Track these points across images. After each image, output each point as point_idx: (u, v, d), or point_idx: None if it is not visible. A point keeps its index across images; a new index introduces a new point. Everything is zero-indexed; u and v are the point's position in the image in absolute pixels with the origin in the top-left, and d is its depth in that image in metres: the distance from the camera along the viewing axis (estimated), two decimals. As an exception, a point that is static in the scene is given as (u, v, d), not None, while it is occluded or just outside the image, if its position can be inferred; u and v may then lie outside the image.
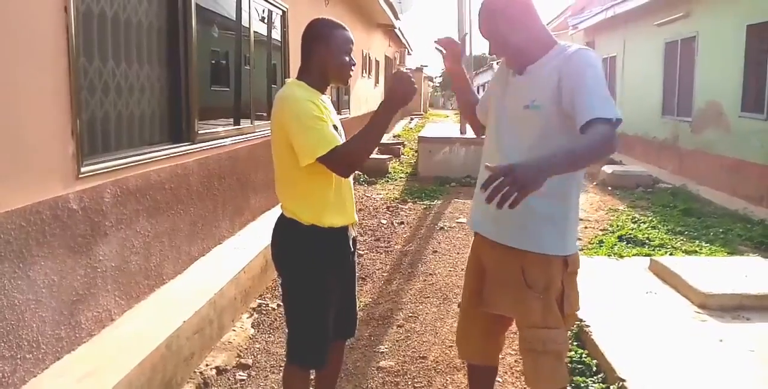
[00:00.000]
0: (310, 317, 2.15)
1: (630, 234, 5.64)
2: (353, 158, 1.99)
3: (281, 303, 3.89)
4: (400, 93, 1.98)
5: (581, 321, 3.29)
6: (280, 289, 2.34)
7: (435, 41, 2.27)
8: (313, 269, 2.13)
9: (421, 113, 31.07)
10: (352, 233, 2.26)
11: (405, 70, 2.04)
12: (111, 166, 2.78)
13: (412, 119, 26.07)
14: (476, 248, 2.13)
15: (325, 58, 2.09)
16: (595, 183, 9.18)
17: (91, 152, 2.69)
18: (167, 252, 3.36)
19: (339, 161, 1.95)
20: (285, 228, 2.16)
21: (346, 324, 2.33)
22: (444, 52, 2.27)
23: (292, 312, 2.19)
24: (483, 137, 2.18)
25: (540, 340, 1.93)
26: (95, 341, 2.64)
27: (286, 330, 2.25)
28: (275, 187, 2.19)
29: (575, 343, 3.17)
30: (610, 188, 8.71)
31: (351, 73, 2.18)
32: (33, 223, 2.25)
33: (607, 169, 9.21)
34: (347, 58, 2.13)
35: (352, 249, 2.27)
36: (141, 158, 3.06)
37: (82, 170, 2.54)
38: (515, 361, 3.13)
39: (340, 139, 2.02)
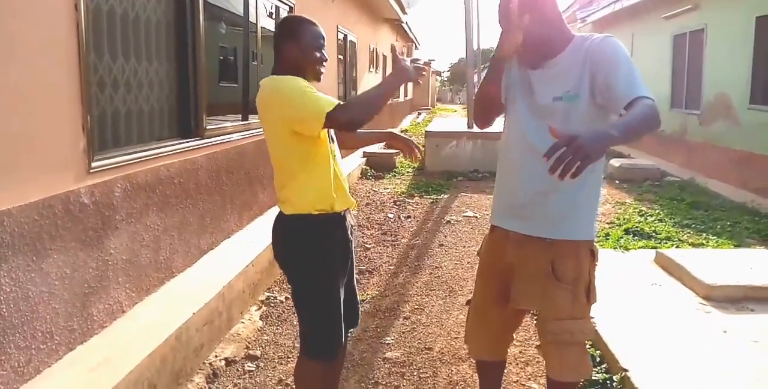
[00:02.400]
0: (326, 309, 2.16)
1: (637, 227, 5.64)
2: (360, 109, 2.01)
3: (290, 297, 3.95)
4: (410, 74, 2.08)
5: (586, 312, 3.32)
6: (289, 288, 2.34)
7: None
8: (325, 259, 2.15)
9: (429, 107, 31.03)
10: (351, 221, 2.29)
11: (423, 62, 2.10)
12: (121, 161, 2.83)
13: (419, 114, 26.05)
14: (497, 246, 2.08)
15: (296, 54, 2.11)
16: (602, 176, 9.15)
17: (101, 147, 2.74)
18: (177, 246, 3.42)
19: (346, 113, 1.97)
20: (289, 224, 2.16)
21: (350, 314, 2.35)
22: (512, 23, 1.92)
23: (308, 306, 2.19)
24: (487, 130, 2.19)
25: (568, 331, 1.93)
26: (107, 332, 2.69)
27: (298, 325, 2.26)
28: (274, 183, 2.21)
29: (579, 334, 3.20)
30: (617, 181, 8.69)
31: (323, 68, 2.20)
32: (46, 216, 2.31)
33: (615, 162, 9.19)
34: (319, 54, 2.14)
35: (351, 238, 2.29)
36: (150, 153, 3.11)
37: (93, 164, 2.60)
38: (519, 352, 3.16)
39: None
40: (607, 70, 1.76)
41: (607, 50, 1.80)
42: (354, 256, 2.35)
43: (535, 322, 2.99)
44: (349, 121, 1.99)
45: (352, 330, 2.56)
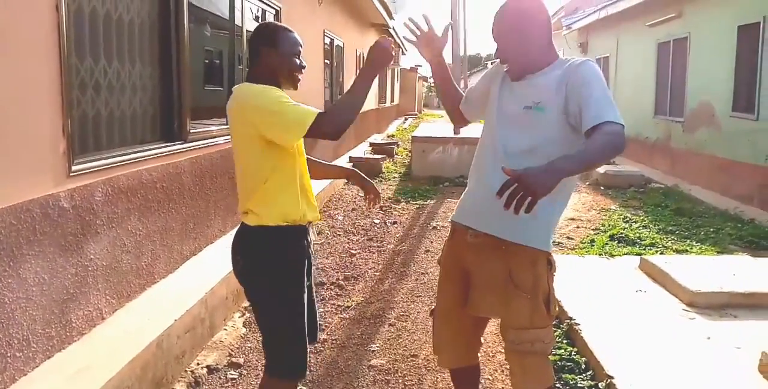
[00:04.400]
0: (293, 326, 2.09)
1: (621, 234, 5.67)
2: (342, 117, 1.96)
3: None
4: (379, 59, 2.01)
5: (571, 318, 3.32)
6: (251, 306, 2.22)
7: (405, 23, 2.24)
8: (292, 271, 2.09)
9: (415, 112, 31.11)
10: (312, 236, 2.24)
11: (386, 38, 2.05)
12: (102, 164, 2.78)
13: (406, 119, 26.10)
14: (456, 251, 2.10)
15: (274, 61, 2.06)
16: (587, 183, 9.21)
17: (82, 150, 2.69)
18: (159, 251, 3.37)
19: (329, 122, 1.92)
20: (254, 236, 2.08)
21: (311, 328, 2.23)
22: (417, 35, 2.20)
23: (277, 323, 2.10)
24: (460, 132, 2.22)
25: (528, 341, 1.93)
26: (86, 339, 2.64)
27: (262, 344, 2.15)
28: (238, 193, 2.12)
29: (565, 341, 3.19)
30: (602, 187, 8.75)
31: (301, 76, 2.15)
32: (23, 221, 2.26)
33: (600, 169, 9.24)
34: (297, 61, 2.10)
35: (311, 253, 2.22)
36: (133, 156, 3.06)
37: (74, 168, 2.55)
38: (505, 359, 3.14)
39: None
40: (581, 93, 1.81)
41: (585, 74, 1.85)
42: (313, 270, 2.28)
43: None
44: (333, 130, 1.95)
45: (316, 343, 2.51)
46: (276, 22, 2.15)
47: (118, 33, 3.01)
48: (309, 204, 2.15)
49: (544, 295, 1.94)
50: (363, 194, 2.43)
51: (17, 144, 2.25)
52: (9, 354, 2.20)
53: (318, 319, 2.35)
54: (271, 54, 2.06)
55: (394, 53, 2.06)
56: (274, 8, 5.90)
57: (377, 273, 4.70)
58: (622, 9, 11.02)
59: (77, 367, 2.39)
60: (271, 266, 2.07)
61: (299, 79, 2.14)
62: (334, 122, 1.94)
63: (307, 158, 2.29)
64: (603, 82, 1.85)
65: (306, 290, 2.15)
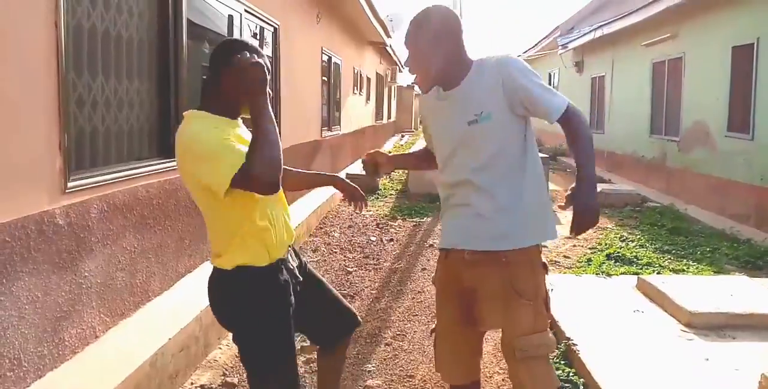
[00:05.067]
0: (281, 366, 1.92)
1: (618, 253, 5.66)
2: (266, 166, 1.67)
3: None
4: (250, 85, 1.74)
5: (569, 339, 3.29)
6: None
7: (362, 161, 2.40)
8: (275, 312, 1.90)
9: (412, 129, 31.24)
10: (292, 262, 2.01)
11: (249, 57, 1.78)
12: (98, 181, 2.77)
13: (402, 136, 26.19)
14: (452, 270, 2.08)
15: (237, 85, 1.78)
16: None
17: (78, 166, 2.68)
18: (154, 268, 3.34)
19: (254, 175, 1.66)
20: (229, 281, 1.89)
21: (339, 321, 2.20)
22: (367, 169, 2.38)
23: (264, 366, 1.92)
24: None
25: (534, 345, 1.95)
26: (79, 358, 2.60)
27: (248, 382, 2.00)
28: (208, 234, 1.95)
29: (563, 362, 3.16)
30: (598, 206, 8.75)
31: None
32: (18, 238, 2.24)
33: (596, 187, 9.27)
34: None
35: (300, 278, 2.03)
36: (129, 172, 3.05)
37: (69, 184, 2.53)
38: (502, 380, 3.11)
39: None
40: (520, 89, 1.88)
41: (514, 71, 1.90)
42: (316, 278, 2.18)
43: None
44: (256, 185, 1.70)
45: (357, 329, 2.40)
46: (244, 40, 1.96)
47: (116, 49, 3.02)
48: (280, 240, 1.92)
49: (543, 297, 2.00)
50: (349, 200, 2.36)
51: (13, 160, 2.24)
52: (0, 374, 2.16)
53: (347, 305, 2.30)
54: (233, 76, 1.78)
55: (266, 70, 1.78)
56: (272, 25, 5.94)
57: (373, 291, 4.67)
58: (617, 29, 11.14)
59: (69, 387, 2.35)
60: (253, 310, 1.89)
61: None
62: (260, 174, 1.66)
63: (288, 170, 2.15)
64: (533, 73, 1.93)
65: (301, 311, 1.98)
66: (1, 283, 2.16)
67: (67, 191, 2.52)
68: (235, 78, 1.77)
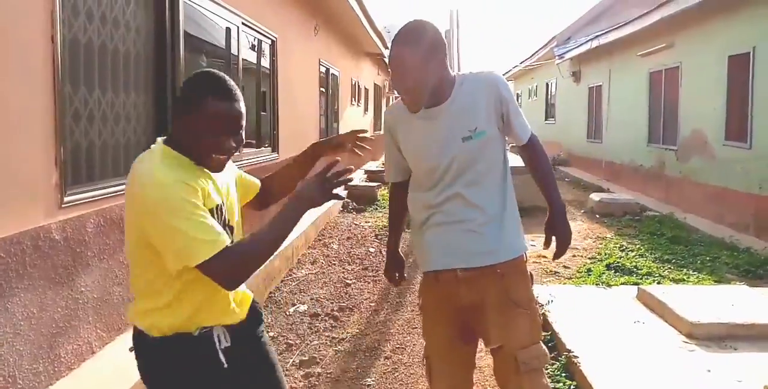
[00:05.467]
0: None
1: (618, 262, 5.64)
2: (246, 265, 1.46)
3: (275, 335, 3.83)
4: (312, 196, 1.55)
5: (569, 351, 3.27)
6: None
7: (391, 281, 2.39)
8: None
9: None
10: (225, 341, 1.61)
11: (342, 173, 1.57)
12: (95, 195, 2.76)
13: (401, 146, 26.20)
14: (446, 292, 2.02)
15: (195, 129, 1.50)
16: (582, 211, 9.21)
17: (75, 181, 2.67)
18: (151, 282, 3.31)
19: (226, 269, 1.43)
20: (151, 346, 1.58)
21: None
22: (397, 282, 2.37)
23: None
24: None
25: (535, 357, 1.96)
26: (75, 375, 2.58)
27: None
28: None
29: (564, 374, 3.13)
30: (597, 215, 8.74)
31: (222, 159, 1.56)
32: (13, 254, 2.22)
33: (595, 197, 9.26)
34: (224, 139, 1.52)
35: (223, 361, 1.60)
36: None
37: (66, 199, 2.52)
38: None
39: (226, 237, 1.46)
40: (507, 108, 1.98)
41: (504, 87, 1.98)
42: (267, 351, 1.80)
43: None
44: (221, 278, 1.45)
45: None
46: (221, 77, 1.54)
47: (113, 63, 3.02)
48: (217, 307, 1.60)
49: (535, 304, 2.06)
50: (344, 151, 2.02)
51: (8, 175, 2.23)
52: (-7, 391, 2.14)
53: None
54: (191, 119, 1.50)
55: (344, 191, 1.69)
56: (269, 38, 5.96)
57: (372, 304, 4.64)
58: (613, 39, 11.20)
59: (64, 404, 2.32)
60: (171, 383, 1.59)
61: (218, 165, 1.57)
62: (233, 270, 1.44)
63: (266, 178, 1.94)
64: (513, 94, 2.05)
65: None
66: (-4, 299, 2.14)
67: (63, 205, 2.51)
68: (204, 126, 1.49)
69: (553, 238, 2.07)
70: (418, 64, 1.86)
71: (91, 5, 2.78)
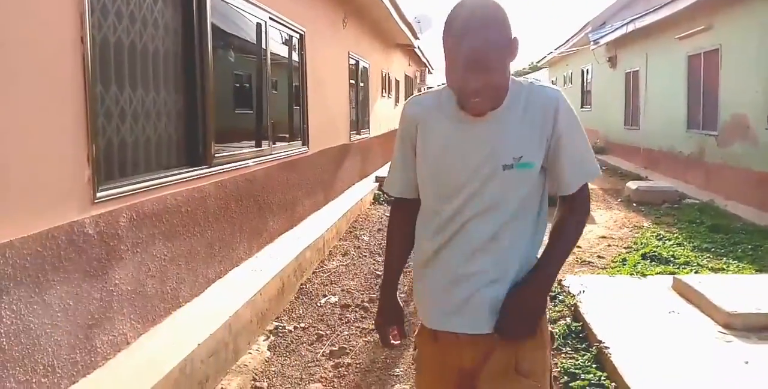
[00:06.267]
0: None
1: (654, 252, 5.52)
2: None
3: (298, 326, 3.89)
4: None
5: (600, 342, 3.22)
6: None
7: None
8: None
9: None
10: None
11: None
12: (127, 190, 2.83)
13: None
14: (447, 349, 1.60)
15: None
16: (619, 199, 9.04)
17: (107, 177, 2.74)
18: (184, 275, 3.39)
19: None
20: None
21: None
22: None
23: None
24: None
25: None
26: (110, 365, 2.66)
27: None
28: None
29: (594, 365, 3.10)
30: (635, 204, 8.57)
31: None
32: (49, 248, 2.30)
33: (632, 185, 9.08)
34: None
35: None
36: (157, 182, 3.11)
37: (98, 195, 2.60)
38: None
39: None
40: (563, 141, 1.51)
41: (569, 116, 1.51)
42: None
43: None
44: None
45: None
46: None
47: (142, 62, 3.08)
48: None
49: (550, 374, 1.61)
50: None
51: (43, 173, 2.30)
52: (34, 380, 2.23)
53: None
54: None
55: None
56: (298, 32, 5.99)
57: (402, 295, 4.66)
58: (650, 22, 10.89)
59: (101, 393, 2.41)
60: None
61: None
62: None
63: None
64: (579, 120, 1.55)
65: None
66: (34, 292, 2.23)
67: (96, 201, 2.59)
68: None
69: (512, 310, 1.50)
70: (503, 53, 1.44)
71: (120, 5, 2.84)
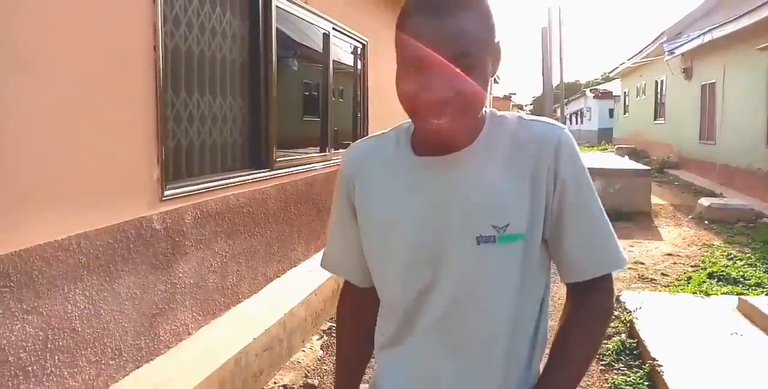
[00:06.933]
0: None
1: (723, 272, 5.30)
2: None
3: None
4: None
5: (654, 359, 3.14)
6: None
7: None
8: None
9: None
10: None
11: None
12: (192, 190, 3.00)
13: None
14: None
15: None
16: (690, 216, 8.69)
17: (174, 177, 2.93)
18: (244, 272, 3.55)
19: None
20: None
21: None
22: None
23: None
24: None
25: None
26: (172, 353, 2.82)
27: None
28: None
29: (646, 383, 3.02)
30: (706, 221, 8.22)
31: None
32: (119, 240, 2.48)
33: (705, 201, 8.71)
34: None
35: None
36: (221, 182, 3.28)
37: (166, 193, 2.77)
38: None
39: None
40: (573, 200, 1.01)
41: (577, 161, 1.03)
42: None
43: None
44: None
45: None
46: None
47: (210, 69, 3.27)
48: None
49: None
50: None
51: (116, 171, 2.49)
52: (103, 362, 2.40)
53: None
54: None
55: None
56: (360, 42, 6.14)
57: None
58: (729, 32, 10.46)
59: (162, 379, 2.56)
60: None
61: None
62: None
63: None
64: (590, 177, 1.05)
65: None
66: (105, 280, 2.41)
67: (163, 199, 2.77)
68: None
69: None
70: (484, 49, 0.95)
71: (191, 15, 3.04)
